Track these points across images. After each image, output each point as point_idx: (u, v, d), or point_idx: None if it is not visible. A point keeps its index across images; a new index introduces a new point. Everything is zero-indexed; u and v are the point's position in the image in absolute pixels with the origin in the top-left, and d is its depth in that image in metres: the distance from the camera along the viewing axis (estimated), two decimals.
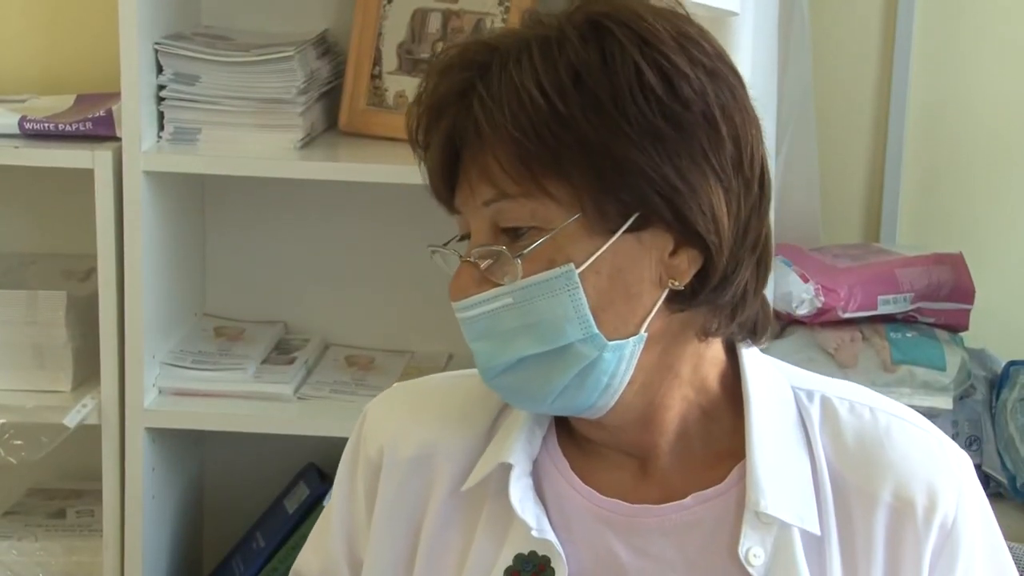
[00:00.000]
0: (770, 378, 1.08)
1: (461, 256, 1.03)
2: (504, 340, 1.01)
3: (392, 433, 1.12)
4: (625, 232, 0.99)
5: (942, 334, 1.79)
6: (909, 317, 1.81)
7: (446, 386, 1.16)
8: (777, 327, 1.79)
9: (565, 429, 1.10)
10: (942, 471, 1.06)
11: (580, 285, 0.99)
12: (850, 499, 1.04)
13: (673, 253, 1.01)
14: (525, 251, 1.00)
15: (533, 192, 0.99)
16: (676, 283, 1.01)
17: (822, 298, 1.75)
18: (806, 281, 1.75)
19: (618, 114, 0.97)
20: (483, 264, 1.01)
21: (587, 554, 1.05)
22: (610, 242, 0.99)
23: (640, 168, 0.98)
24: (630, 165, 0.98)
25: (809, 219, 1.91)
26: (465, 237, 1.04)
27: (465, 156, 1.01)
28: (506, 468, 1.06)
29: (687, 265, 1.01)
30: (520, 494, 1.06)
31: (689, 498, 1.05)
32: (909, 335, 1.76)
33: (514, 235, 1.01)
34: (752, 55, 1.56)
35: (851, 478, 1.05)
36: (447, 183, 1.03)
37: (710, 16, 1.49)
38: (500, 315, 1.01)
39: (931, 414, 1.61)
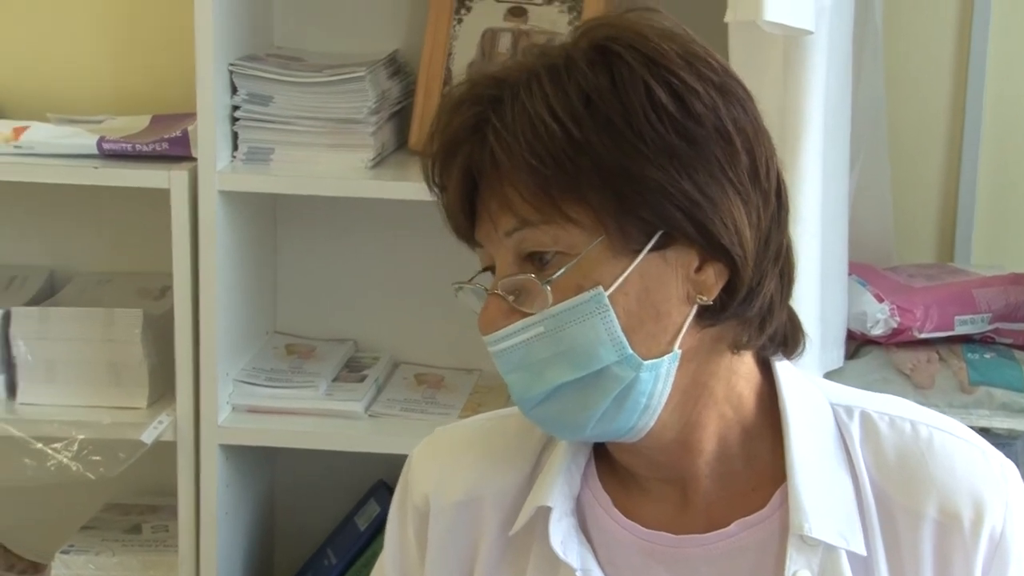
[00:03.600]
0: (807, 394, 1.08)
1: (487, 289, 1.04)
2: (539, 370, 1.02)
3: (437, 479, 1.13)
4: (650, 251, 0.99)
5: (1020, 355, 1.77)
6: (986, 338, 1.79)
7: (487, 428, 1.17)
8: (851, 347, 1.78)
9: (605, 465, 1.10)
10: (987, 482, 1.05)
11: (610, 307, 0.99)
12: (896, 517, 1.04)
13: (699, 269, 1.01)
14: (552, 277, 1.00)
15: (554, 218, 0.99)
16: (704, 298, 1.01)
17: (897, 318, 1.73)
18: (881, 301, 1.74)
19: (632, 134, 0.98)
20: (511, 296, 1.01)
21: None
22: (636, 262, 0.99)
23: (659, 185, 0.98)
24: (648, 183, 0.98)
25: (882, 238, 1.89)
26: (488, 270, 1.05)
27: (483, 189, 1.02)
28: (546, 511, 1.07)
29: (714, 279, 1.01)
30: (562, 536, 1.06)
31: (733, 525, 1.05)
32: (987, 356, 1.74)
33: (539, 263, 1.01)
34: (826, 74, 1.55)
35: (895, 495, 1.04)
36: (467, 218, 1.04)
37: (785, 35, 1.49)
38: (533, 345, 1.01)
39: (1010, 436, 1.60)
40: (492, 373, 2.05)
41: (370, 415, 1.94)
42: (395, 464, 2.01)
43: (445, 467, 1.14)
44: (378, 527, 1.97)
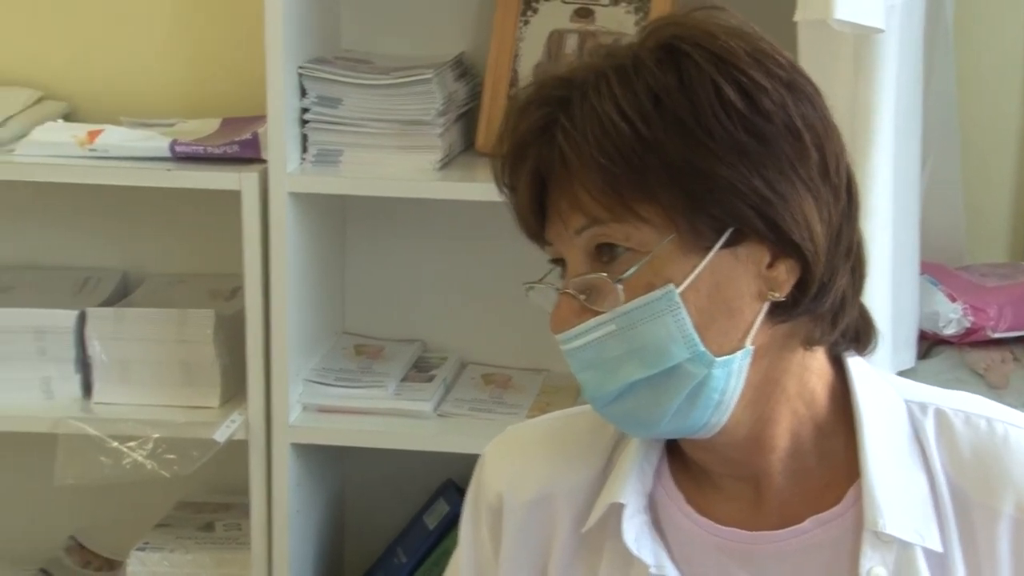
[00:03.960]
0: (880, 390, 1.07)
1: (558, 289, 1.04)
2: (611, 367, 1.02)
3: (509, 477, 1.14)
4: (721, 248, 1.00)
5: None
6: None
7: (559, 425, 1.17)
8: (923, 347, 1.77)
9: (677, 461, 1.10)
10: None
11: (682, 305, 1.00)
12: (972, 514, 1.03)
13: (770, 265, 1.01)
14: (623, 276, 1.00)
15: (625, 217, 1.00)
16: (776, 294, 1.01)
17: (970, 317, 1.72)
18: (953, 300, 1.73)
19: (701, 132, 0.98)
20: (582, 295, 1.02)
21: None
22: (707, 259, 1.00)
23: (729, 183, 0.98)
24: (719, 181, 0.98)
25: (954, 237, 1.88)
26: (557, 263, 1.05)
27: (553, 189, 1.02)
28: (619, 508, 1.07)
29: (786, 276, 1.01)
30: (635, 532, 1.07)
31: (807, 522, 1.04)
32: None
33: (610, 261, 1.01)
34: (897, 72, 1.54)
35: (971, 492, 1.03)
36: (537, 218, 1.04)
37: (855, 33, 1.49)
38: (605, 343, 1.02)
39: None
40: (559, 373, 2.06)
41: (439, 415, 1.95)
42: (463, 464, 2.03)
43: (517, 465, 1.15)
44: (447, 526, 1.98)
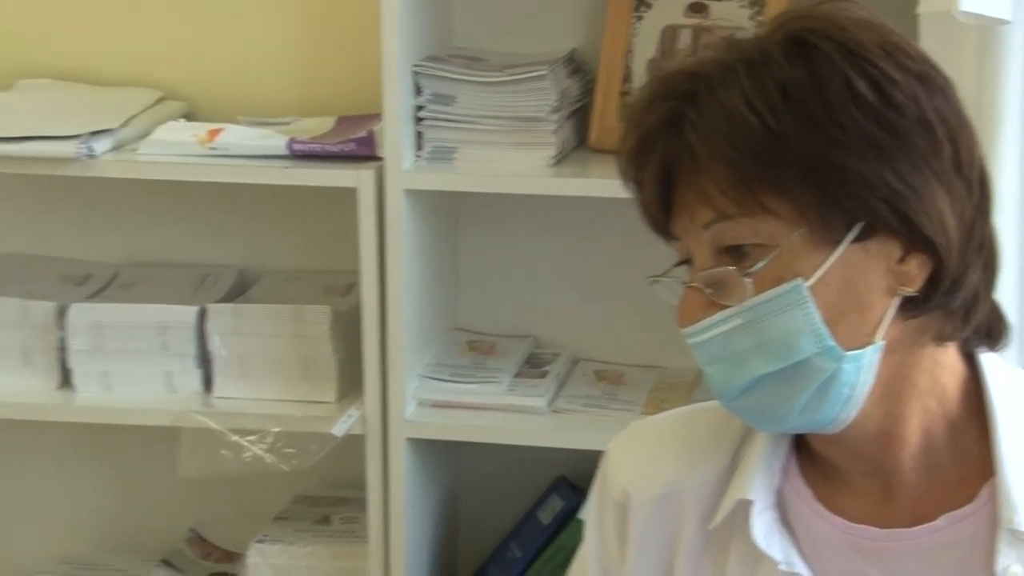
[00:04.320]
0: (1014, 386, 1.06)
1: (684, 282, 1.04)
2: (739, 361, 1.02)
3: (635, 473, 1.14)
4: (852, 242, 0.99)
5: None
6: None
7: (684, 421, 1.17)
8: None
9: (805, 457, 1.10)
10: None
11: (811, 299, 0.99)
12: None
13: (902, 260, 1.00)
14: (752, 269, 1.00)
15: (754, 210, 1.00)
16: (907, 289, 1.00)
17: None
18: None
19: (832, 125, 0.98)
20: (709, 288, 1.02)
21: None
22: (837, 254, 0.99)
23: (861, 176, 0.98)
24: (850, 175, 0.98)
25: None
26: (684, 263, 1.05)
27: (679, 183, 1.03)
28: (747, 504, 1.07)
29: (917, 270, 1.00)
30: (764, 529, 1.06)
31: (941, 519, 1.03)
32: None
33: (737, 255, 1.01)
34: None
35: None
36: (663, 212, 1.04)
37: (980, 25, 1.46)
38: (732, 336, 1.02)
39: None
40: (672, 370, 2.06)
41: (552, 411, 1.96)
42: (577, 459, 2.05)
43: (643, 460, 1.15)
44: (562, 522, 1.98)
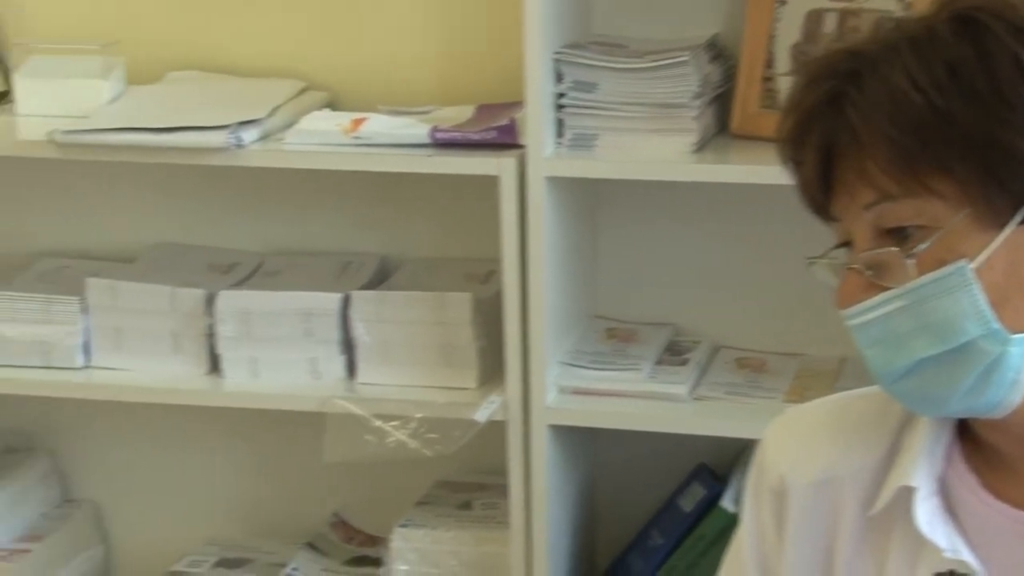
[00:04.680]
0: None
1: (843, 264, 1.03)
2: (899, 344, 1.00)
3: (792, 459, 1.13)
4: (1019, 224, 0.97)
5: None
6: None
7: (839, 407, 1.16)
8: None
9: (969, 443, 1.07)
10: None
11: (975, 281, 0.97)
12: None
13: None
14: (915, 251, 0.98)
15: (916, 191, 0.98)
16: None
17: None
18: None
19: (1001, 104, 0.96)
20: (869, 270, 1.00)
21: (1007, 572, 1.03)
22: (1003, 236, 0.97)
23: None
24: (1018, 155, 0.96)
25: None
26: (843, 245, 1.04)
27: (840, 163, 1.01)
28: (909, 491, 1.05)
29: None
30: (928, 516, 1.05)
31: None
32: None
33: (899, 236, 0.99)
34: None
35: None
36: (823, 192, 1.03)
37: None
38: (893, 319, 1.00)
39: None
40: (816, 358, 2.04)
41: (694, 398, 1.95)
42: (717, 447, 2.04)
43: (801, 447, 1.14)
44: (704, 509, 1.98)
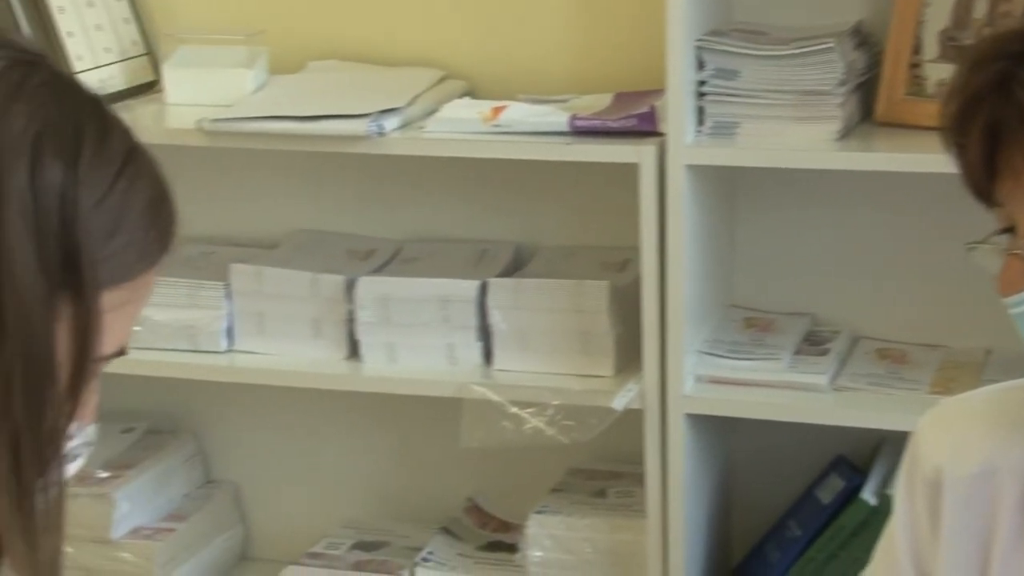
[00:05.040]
0: None
1: (1006, 250, 1.01)
2: None
3: (949, 451, 1.12)
4: None
5: None
6: None
7: (997, 399, 1.14)
8: None
9: None
10: None
11: None
12: None
13: None
14: None
15: None
16: None
17: None
18: None
19: None
20: None
21: None
22: None
23: None
24: None
25: None
26: (1006, 230, 1.02)
27: (1007, 146, 0.99)
28: None
29: None
30: None
31: None
32: None
33: None
34: None
35: None
36: (988, 176, 1.01)
37: None
38: None
39: None
40: (959, 350, 2.00)
41: (834, 389, 1.93)
42: (856, 438, 2.02)
43: (957, 438, 1.12)
44: (842, 502, 1.95)
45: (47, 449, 0.87)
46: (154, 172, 0.91)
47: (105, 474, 2.18)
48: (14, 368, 0.83)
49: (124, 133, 0.89)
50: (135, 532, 2.20)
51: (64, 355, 0.87)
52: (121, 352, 0.93)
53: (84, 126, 0.86)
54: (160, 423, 2.34)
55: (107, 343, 0.89)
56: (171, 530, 2.21)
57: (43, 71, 0.87)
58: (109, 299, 0.88)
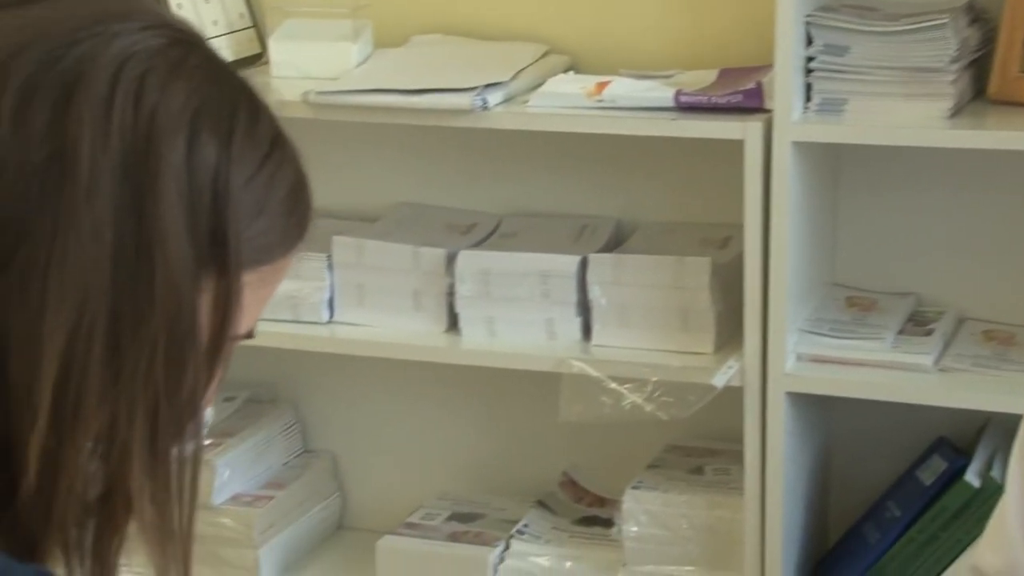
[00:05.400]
0: None
1: None
2: None
3: None
4: None
5: None
6: None
7: None
8: None
9: None
10: None
11: None
12: None
13: None
14: None
15: None
16: None
17: None
18: None
19: None
20: None
21: None
22: None
23: None
24: None
25: None
26: None
27: None
28: None
29: None
30: None
31: None
32: None
33: None
34: None
35: None
36: None
37: None
38: None
39: None
40: None
41: (939, 369, 1.91)
42: (958, 420, 2.00)
43: None
44: (945, 483, 1.94)
45: (184, 419, 0.89)
46: (296, 159, 0.93)
47: (207, 441, 2.21)
48: (159, 337, 0.85)
49: (272, 118, 0.91)
50: (235, 499, 2.24)
51: (203, 331, 0.88)
52: (249, 335, 0.94)
53: (238, 107, 0.88)
54: (260, 392, 2.37)
55: (242, 324, 0.91)
56: (270, 497, 2.24)
57: (201, 51, 0.89)
58: (248, 280, 0.90)
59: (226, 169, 0.87)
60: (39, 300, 0.82)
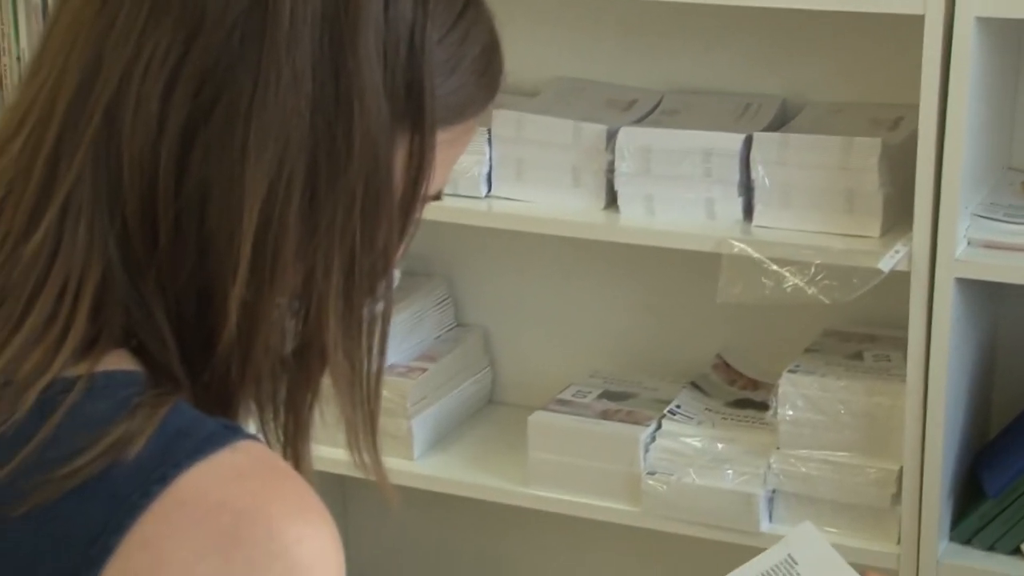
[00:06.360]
0: None
1: None
2: None
3: None
4: None
5: None
6: None
7: None
8: None
9: None
10: None
11: None
12: None
13: None
14: None
15: None
16: None
17: None
18: None
19: None
20: None
21: None
22: None
23: None
24: None
25: None
26: None
27: None
28: None
29: None
30: None
31: None
32: None
33: None
34: None
35: None
36: None
37: None
38: None
39: None
40: None
41: None
42: None
43: None
44: None
45: (377, 274, 0.89)
46: (490, 20, 0.94)
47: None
48: (356, 190, 0.85)
49: None
50: (389, 369, 2.24)
51: (397, 188, 0.89)
52: (437, 196, 0.95)
53: None
54: (414, 265, 2.39)
55: (433, 182, 0.91)
56: (423, 369, 2.26)
57: None
58: (441, 138, 0.90)
59: (422, 24, 0.87)
60: (240, 150, 0.83)
